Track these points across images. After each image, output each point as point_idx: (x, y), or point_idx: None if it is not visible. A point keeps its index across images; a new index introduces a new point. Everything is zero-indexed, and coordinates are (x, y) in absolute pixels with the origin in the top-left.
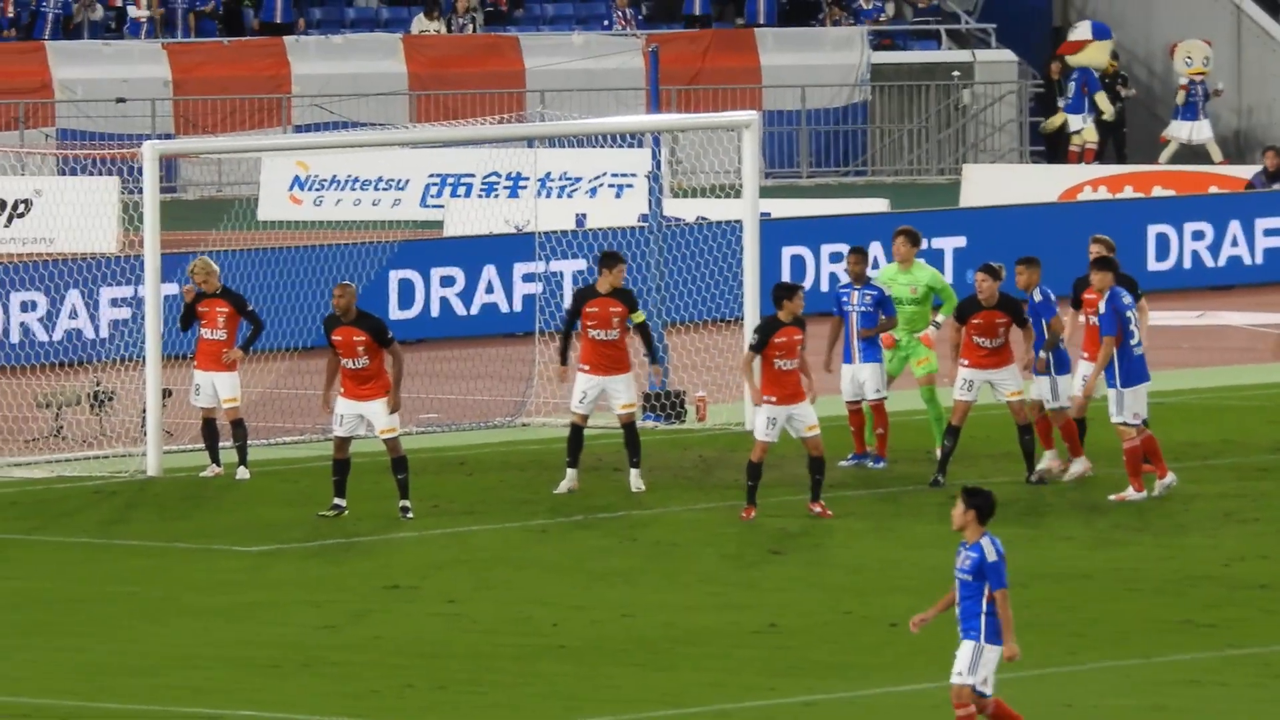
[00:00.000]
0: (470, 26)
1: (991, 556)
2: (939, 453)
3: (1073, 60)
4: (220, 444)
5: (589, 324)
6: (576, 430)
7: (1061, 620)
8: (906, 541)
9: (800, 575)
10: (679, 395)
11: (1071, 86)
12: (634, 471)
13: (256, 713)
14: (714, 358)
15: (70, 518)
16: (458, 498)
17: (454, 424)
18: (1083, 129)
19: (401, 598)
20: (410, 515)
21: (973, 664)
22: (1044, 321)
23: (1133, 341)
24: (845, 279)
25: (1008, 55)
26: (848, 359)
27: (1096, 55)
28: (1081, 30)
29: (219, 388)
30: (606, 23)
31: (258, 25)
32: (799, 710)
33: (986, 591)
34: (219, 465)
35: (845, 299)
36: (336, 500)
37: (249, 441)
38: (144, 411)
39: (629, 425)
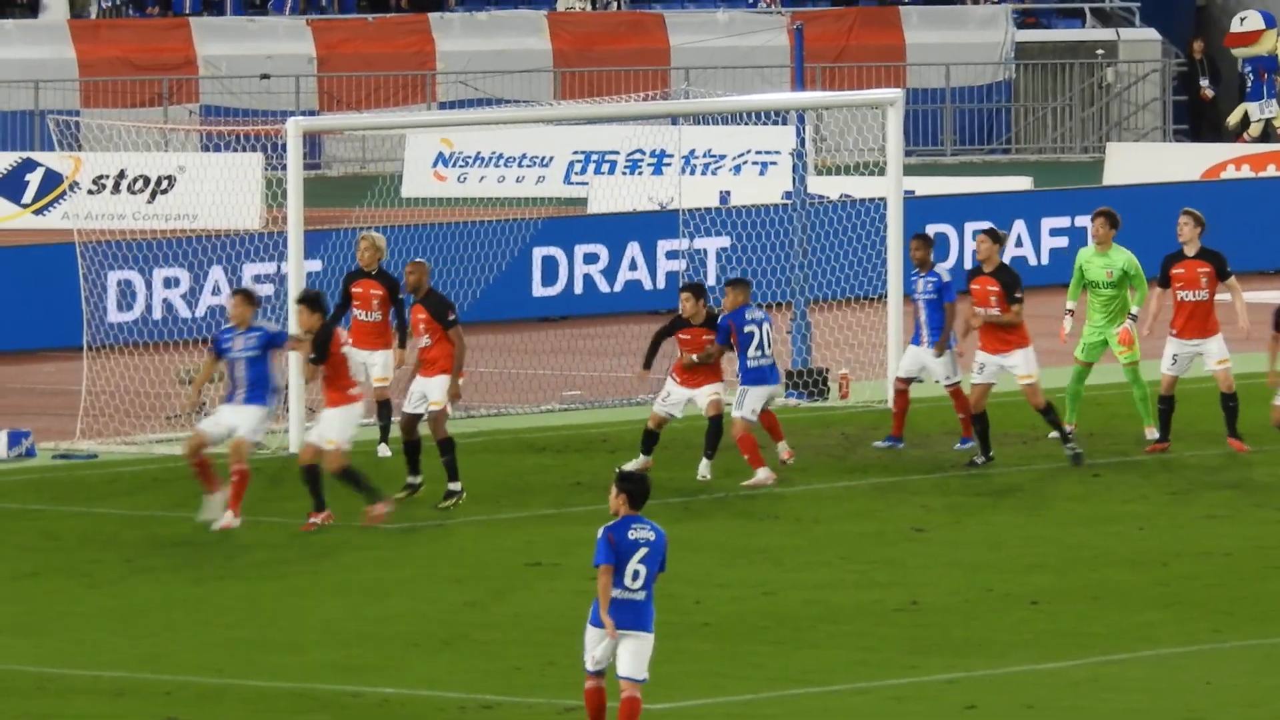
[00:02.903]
0: (615, 3)
1: (598, 535)
2: (1148, 432)
3: (1248, 52)
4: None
5: (684, 349)
6: (651, 433)
7: (1204, 598)
8: (1046, 519)
9: (941, 553)
10: (822, 372)
11: (1249, 76)
12: (705, 461)
13: (400, 689)
14: (857, 335)
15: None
16: (601, 474)
17: (597, 401)
18: (1274, 114)
19: (543, 575)
20: (456, 501)
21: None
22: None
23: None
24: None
25: (1151, 34)
26: (916, 341)
27: (1275, 43)
28: (1252, 21)
29: (371, 367)
30: (751, 0)
31: (404, 2)
32: (941, 688)
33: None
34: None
35: (912, 285)
36: (411, 479)
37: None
38: (286, 388)
39: (715, 417)
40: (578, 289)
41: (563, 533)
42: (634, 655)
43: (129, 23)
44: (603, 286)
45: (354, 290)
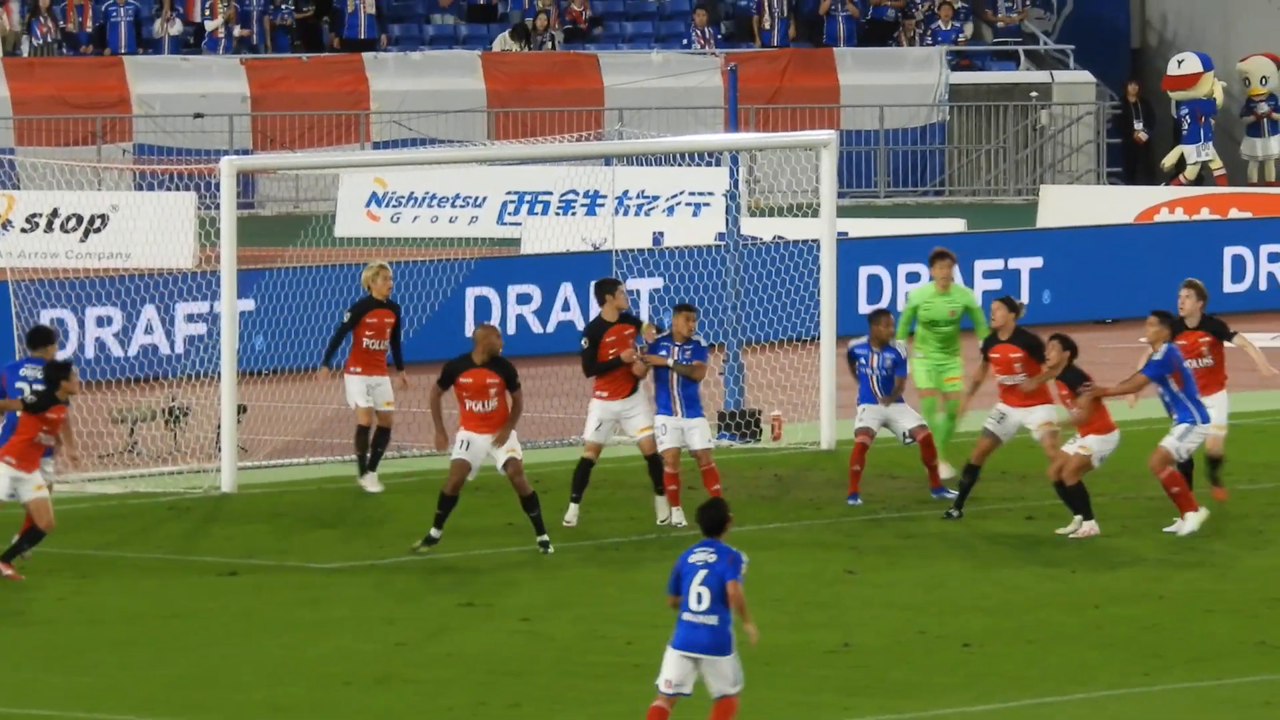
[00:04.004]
0: (550, 44)
1: None
2: (943, 470)
3: (1185, 95)
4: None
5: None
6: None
7: (1137, 641)
8: (980, 561)
9: (874, 595)
10: (755, 414)
11: (1186, 119)
12: (660, 499)
13: None
14: (790, 376)
15: (145, 534)
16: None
17: (530, 442)
18: (1210, 158)
19: (477, 615)
20: (549, 550)
21: None
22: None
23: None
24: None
25: (1086, 76)
26: (870, 399)
27: (1212, 87)
28: (1190, 63)
29: (375, 388)
30: (685, 41)
31: (338, 42)
32: None
33: None
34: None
35: (864, 359)
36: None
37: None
38: (219, 427)
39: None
40: (510, 329)
41: (497, 574)
42: (718, 677)
43: (63, 61)
44: (535, 327)
45: (369, 320)
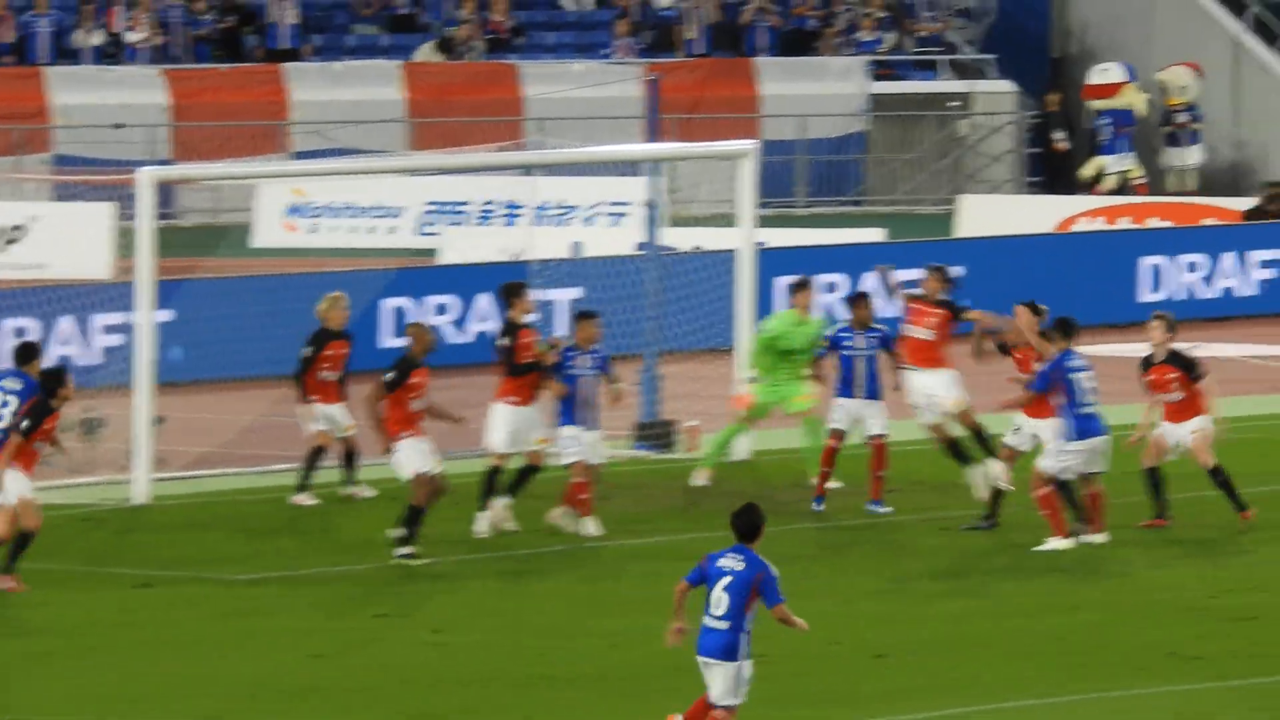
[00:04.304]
0: (469, 54)
1: None
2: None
3: (1105, 104)
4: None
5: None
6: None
7: (1050, 651)
8: (895, 572)
9: (790, 605)
10: (670, 424)
11: (1106, 129)
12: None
13: None
14: (707, 387)
15: (60, 546)
16: (446, 527)
17: (448, 452)
18: (1130, 168)
19: (391, 627)
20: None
21: None
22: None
23: None
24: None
25: (1006, 86)
26: (848, 394)
27: (1134, 97)
28: (1113, 73)
29: (336, 421)
30: (606, 51)
31: (261, 53)
32: None
33: None
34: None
35: (848, 342)
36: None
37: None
38: (135, 438)
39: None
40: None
41: (409, 586)
42: (720, 683)
43: None
44: (453, 337)
45: (327, 353)
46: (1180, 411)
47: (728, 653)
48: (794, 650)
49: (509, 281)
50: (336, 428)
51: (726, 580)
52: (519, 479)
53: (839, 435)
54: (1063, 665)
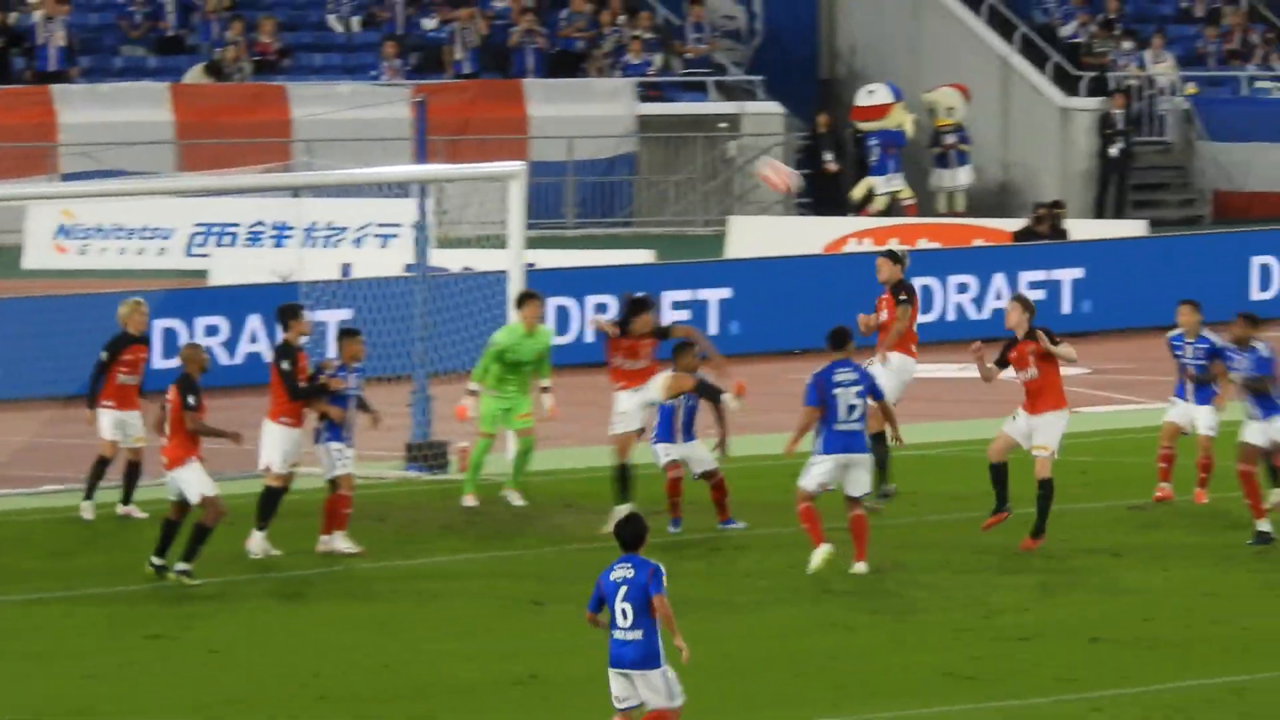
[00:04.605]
0: (238, 75)
1: None
2: (510, 496)
3: (874, 125)
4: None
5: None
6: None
7: (824, 671)
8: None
9: (563, 625)
10: (443, 445)
11: (875, 150)
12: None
13: None
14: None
15: None
16: (219, 546)
17: (218, 474)
18: (899, 189)
19: (164, 647)
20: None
21: None
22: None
23: None
24: (608, 330)
25: (775, 107)
26: (667, 439)
27: (902, 118)
28: (880, 94)
29: (131, 426)
30: (374, 73)
31: (30, 75)
32: None
33: None
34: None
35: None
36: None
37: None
38: None
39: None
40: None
41: (183, 606)
42: (651, 691)
43: None
44: (223, 359)
45: (125, 356)
46: (1036, 399)
47: (649, 660)
48: (569, 671)
49: (287, 304)
50: (125, 437)
51: (623, 590)
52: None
53: (676, 465)
54: (835, 685)
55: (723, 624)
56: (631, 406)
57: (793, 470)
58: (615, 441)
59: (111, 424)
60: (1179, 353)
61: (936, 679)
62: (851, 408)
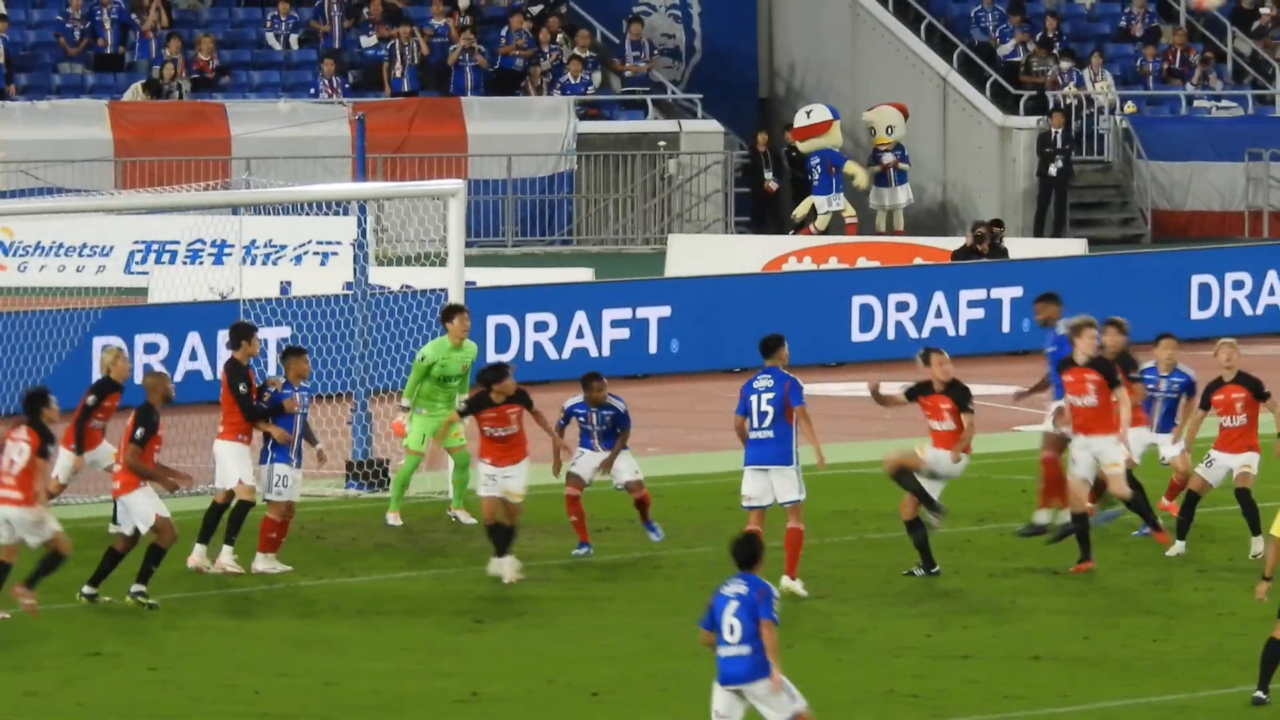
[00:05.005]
0: (177, 93)
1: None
2: (455, 514)
3: (813, 144)
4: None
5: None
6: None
7: None
8: (611, 609)
9: (504, 644)
10: (383, 463)
11: (816, 169)
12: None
13: None
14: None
15: None
16: (165, 564)
17: (161, 494)
18: (841, 207)
19: (105, 664)
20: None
21: None
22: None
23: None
24: (543, 350)
25: (714, 126)
26: (589, 445)
27: (831, 141)
28: (818, 113)
29: (97, 465)
30: (313, 91)
31: None
32: None
33: None
34: None
35: (583, 417)
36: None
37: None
38: None
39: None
40: (137, 378)
41: (124, 622)
42: (768, 706)
43: None
44: None
45: (106, 404)
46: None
47: (757, 672)
48: (510, 689)
49: (241, 323)
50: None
51: (734, 606)
52: (218, 519)
53: (580, 487)
54: None
55: (670, 637)
56: (495, 472)
57: (731, 488)
58: (484, 506)
59: (69, 466)
60: (1151, 385)
61: (878, 697)
62: (762, 415)
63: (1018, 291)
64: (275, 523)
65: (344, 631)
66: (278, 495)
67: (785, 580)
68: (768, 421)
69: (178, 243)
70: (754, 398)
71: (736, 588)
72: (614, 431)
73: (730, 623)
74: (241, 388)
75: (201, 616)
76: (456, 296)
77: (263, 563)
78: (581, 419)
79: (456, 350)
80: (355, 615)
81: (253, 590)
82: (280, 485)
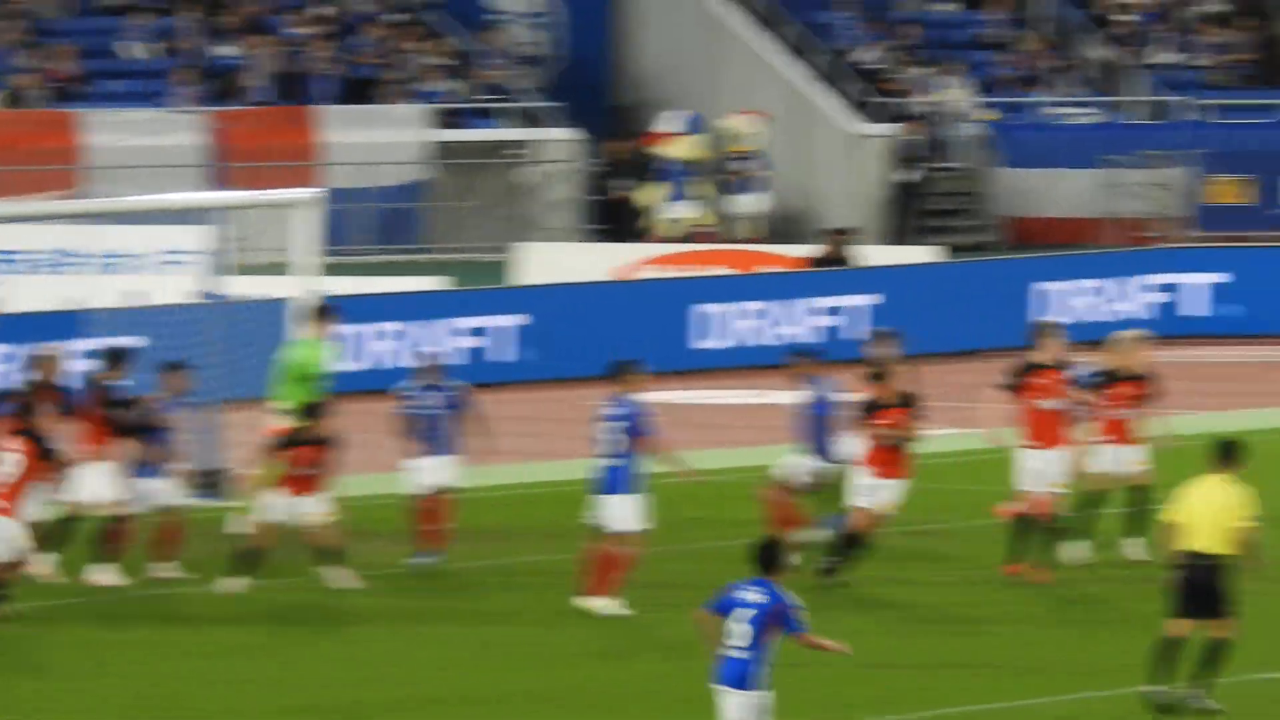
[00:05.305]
0: (33, 102)
1: None
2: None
3: (670, 151)
4: None
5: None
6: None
7: (626, 695)
8: (418, 618)
9: (336, 652)
10: (223, 472)
11: (669, 177)
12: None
13: None
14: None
15: None
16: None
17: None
18: (694, 215)
19: None
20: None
21: None
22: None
23: None
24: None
25: (569, 134)
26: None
27: (687, 149)
28: (675, 121)
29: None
30: (169, 100)
31: None
32: None
33: None
34: None
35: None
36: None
37: None
38: None
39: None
40: None
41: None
42: (734, 713)
43: None
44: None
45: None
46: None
47: (744, 682)
48: (384, 698)
49: (118, 348)
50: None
51: (750, 614)
52: (63, 530)
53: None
54: (637, 713)
55: (467, 651)
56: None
57: (568, 498)
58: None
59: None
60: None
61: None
62: (605, 441)
63: (874, 298)
64: (122, 531)
65: (212, 637)
66: (141, 507)
67: (590, 599)
68: (605, 448)
69: (30, 252)
70: (599, 425)
71: (756, 596)
72: (446, 418)
73: (741, 629)
74: (118, 410)
75: (72, 624)
76: (308, 304)
77: (100, 573)
78: (409, 399)
79: (320, 348)
80: (210, 622)
81: (76, 603)
82: (144, 498)
